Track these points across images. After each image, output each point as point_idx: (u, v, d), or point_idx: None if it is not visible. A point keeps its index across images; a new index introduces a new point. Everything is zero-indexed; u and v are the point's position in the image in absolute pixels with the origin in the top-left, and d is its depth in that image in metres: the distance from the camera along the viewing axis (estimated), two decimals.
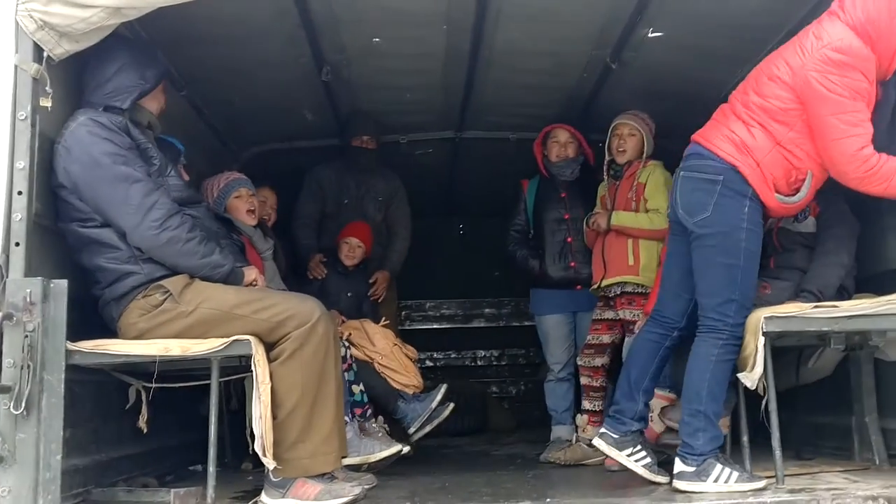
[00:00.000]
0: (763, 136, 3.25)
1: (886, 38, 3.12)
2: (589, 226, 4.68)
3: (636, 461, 3.51)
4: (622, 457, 3.52)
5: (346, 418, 3.52)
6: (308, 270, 5.25)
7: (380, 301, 5.39)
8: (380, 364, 4.47)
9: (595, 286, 4.65)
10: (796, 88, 3.19)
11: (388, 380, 4.48)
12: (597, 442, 3.63)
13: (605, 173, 4.75)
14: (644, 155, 4.64)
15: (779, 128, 3.24)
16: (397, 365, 4.49)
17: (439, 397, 4.33)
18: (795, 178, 3.28)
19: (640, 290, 4.47)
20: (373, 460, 3.62)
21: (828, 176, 3.33)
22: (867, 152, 3.14)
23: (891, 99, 3.22)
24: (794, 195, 3.29)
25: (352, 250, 5.22)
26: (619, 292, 4.55)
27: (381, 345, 4.54)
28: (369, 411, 4.19)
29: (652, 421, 3.92)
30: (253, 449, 3.12)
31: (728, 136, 3.30)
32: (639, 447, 3.53)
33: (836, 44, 3.12)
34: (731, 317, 3.24)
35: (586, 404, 4.71)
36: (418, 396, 4.53)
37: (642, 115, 4.70)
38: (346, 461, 3.36)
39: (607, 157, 4.72)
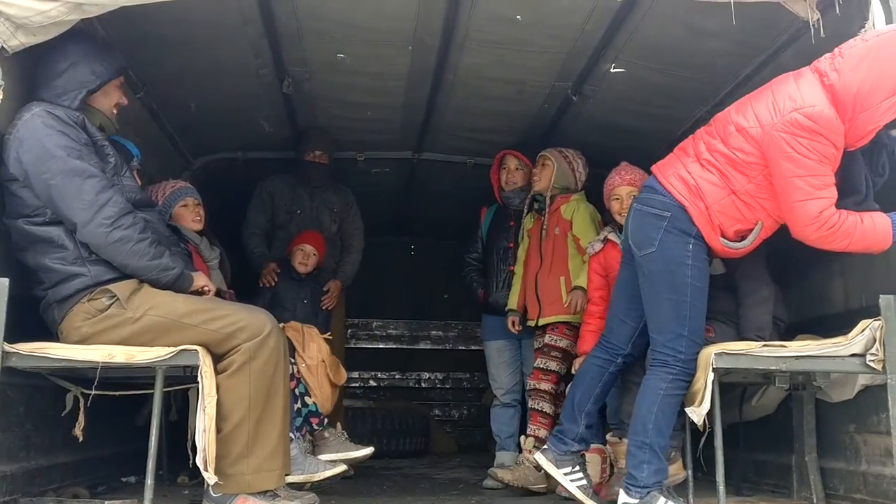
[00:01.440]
0: (719, 182, 3.24)
1: (868, 110, 3.03)
2: (575, 311, 4.59)
3: (571, 481, 3.56)
4: (559, 475, 3.58)
5: (292, 435, 3.45)
6: (260, 278, 5.18)
7: (330, 310, 5.34)
8: (296, 375, 4.36)
9: (532, 322, 4.68)
10: (763, 145, 3.15)
11: None
12: (538, 456, 3.67)
13: (526, 207, 4.84)
14: (570, 190, 4.70)
15: (738, 177, 3.22)
16: (313, 383, 4.37)
17: (326, 475, 3.88)
18: (743, 226, 3.30)
19: (572, 324, 4.55)
20: (316, 479, 3.56)
21: (777, 228, 3.35)
22: (828, 214, 3.12)
23: (861, 167, 3.22)
24: (739, 241, 3.31)
25: (306, 257, 5.17)
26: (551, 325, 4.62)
27: (310, 354, 4.43)
28: (325, 420, 4.10)
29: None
30: (193, 462, 3.04)
31: (682, 175, 3.30)
32: (577, 468, 3.58)
33: (808, 110, 3.06)
34: (682, 352, 3.26)
35: (532, 429, 4.68)
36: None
37: (569, 151, 4.79)
38: (290, 479, 3.30)
39: (533, 191, 4.80)
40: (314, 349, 4.38)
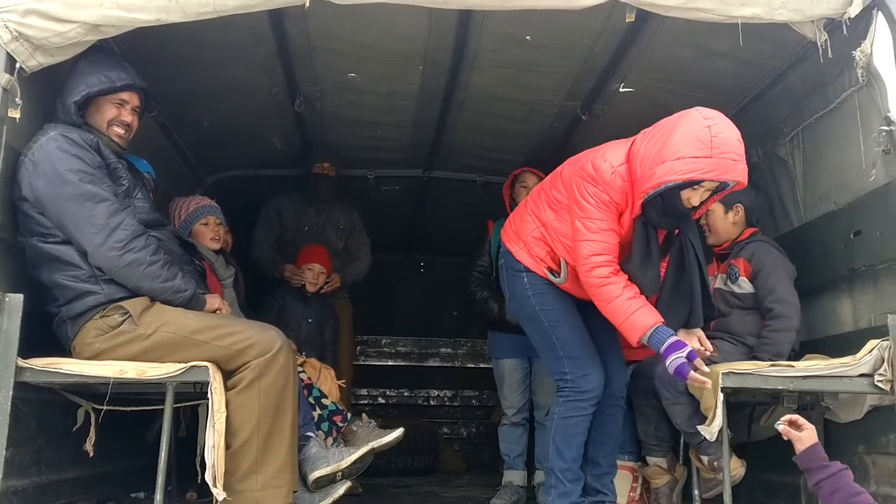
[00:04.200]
0: (532, 220, 3.50)
1: (642, 179, 3.17)
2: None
3: None
4: None
5: (311, 433, 3.43)
6: (282, 284, 5.23)
7: (336, 329, 5.35)
8: (307, 381, 4.35)
9: None
10: (567, 187, 3.37)
11: None
12: None
13: None
14: None
15: (548, 212, 3.46)
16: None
17: (353, 458, 3.60)
18: (554, 261, 3.47)
19: None
20: (345, 465, 3.42)
21: None
22: (597, 260, 3.23)
23: (640, 236, 3.28)
24: (558, 276, 3.46)
25: (315, 277, 5.19)
26: None
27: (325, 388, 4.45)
28: (349, 414, 4.10)
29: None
30: (202, 478, 3.05)
31: (508, 225, 3.65)
32: None
33: (598, 161, 3.26)
34: (566, 371, 3.42)
35: None
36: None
37: None
38: (318, 473, 3.27)
39: None
40: (324, 386, 4.39)
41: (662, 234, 3.39)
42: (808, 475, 2.60)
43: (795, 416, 2.65)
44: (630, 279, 3.24)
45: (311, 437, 3.40)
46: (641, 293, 3.23)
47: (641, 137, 3.26)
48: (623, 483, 3.95)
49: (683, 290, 3.30)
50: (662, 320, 3.16)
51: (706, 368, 3.12)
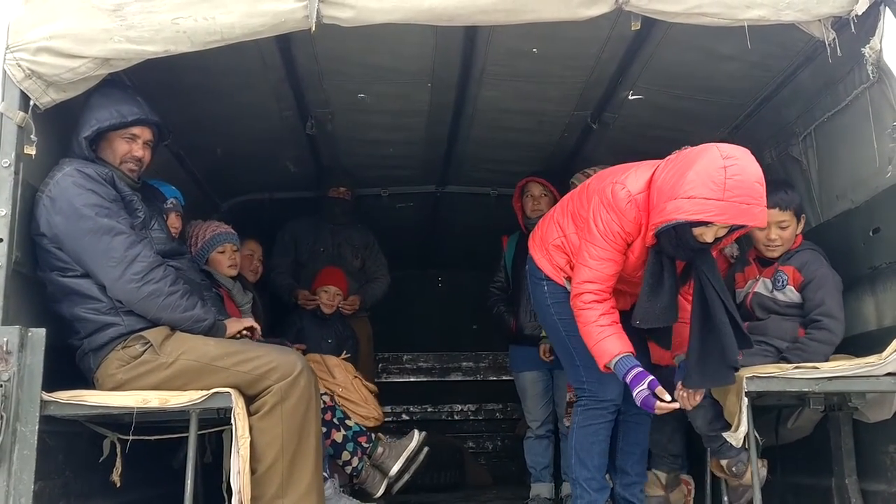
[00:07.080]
0: (556, 228, 3.51)
1: (654, 211, 3.13)
2: None
3: None
4: None
5: (325, 474, 3.46)
6: (300, 307, 5.27)
7: (356, 347, 5.36)
8: (339, 396, 4.41)
9: None
10: (590, 201, 3.36)
11: (348, 411, 4.43)
12: None
13: None
14: None
15: (570, 223, 3.46)
16: (357, 397, 4.44)
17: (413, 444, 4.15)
18: (571, 270, 3.45)
19: None
20: None
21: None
22: (588, 287, 3.25)
23: (651, 265, 3.23)
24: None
25: (330, 299, 5.22)
26: None
27: (340, 377, 4.51)
28: (374, 435, 4.12)
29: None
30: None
31: (534, 233, 3.66)
32: None
33: (617, 188, 3.22)
34: (584, 380, 3.43)
35: None
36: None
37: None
38: None
39: None
40: (340, 371, 4.45)
41: (682, 263, 3.32)
42: None
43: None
44: (638, 306, 3.25)
45: (325, 478, 3.42)
46: (654, 322, 3.23)
47: (664, 165, 3.18)
48: (680, 496, 3.93)
49: (711, 328, 3.17)
50: (632, 350, 3.20)
51: (667, 397, 3.14)
